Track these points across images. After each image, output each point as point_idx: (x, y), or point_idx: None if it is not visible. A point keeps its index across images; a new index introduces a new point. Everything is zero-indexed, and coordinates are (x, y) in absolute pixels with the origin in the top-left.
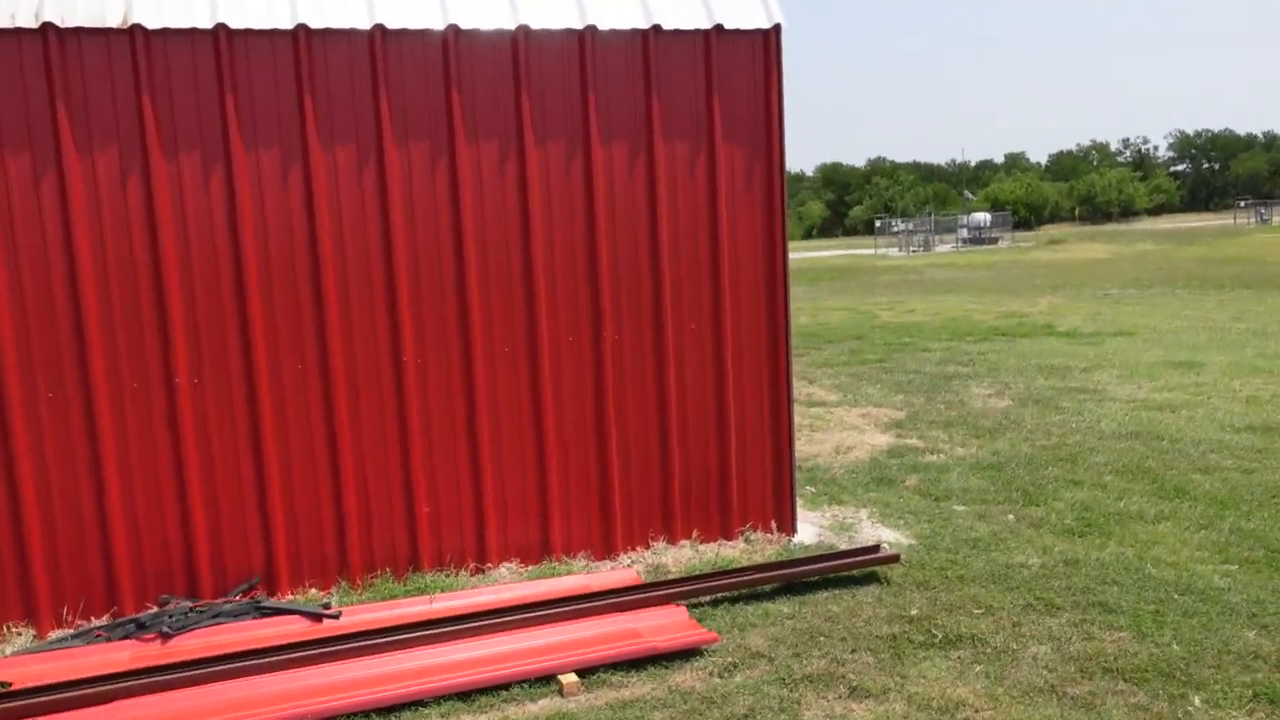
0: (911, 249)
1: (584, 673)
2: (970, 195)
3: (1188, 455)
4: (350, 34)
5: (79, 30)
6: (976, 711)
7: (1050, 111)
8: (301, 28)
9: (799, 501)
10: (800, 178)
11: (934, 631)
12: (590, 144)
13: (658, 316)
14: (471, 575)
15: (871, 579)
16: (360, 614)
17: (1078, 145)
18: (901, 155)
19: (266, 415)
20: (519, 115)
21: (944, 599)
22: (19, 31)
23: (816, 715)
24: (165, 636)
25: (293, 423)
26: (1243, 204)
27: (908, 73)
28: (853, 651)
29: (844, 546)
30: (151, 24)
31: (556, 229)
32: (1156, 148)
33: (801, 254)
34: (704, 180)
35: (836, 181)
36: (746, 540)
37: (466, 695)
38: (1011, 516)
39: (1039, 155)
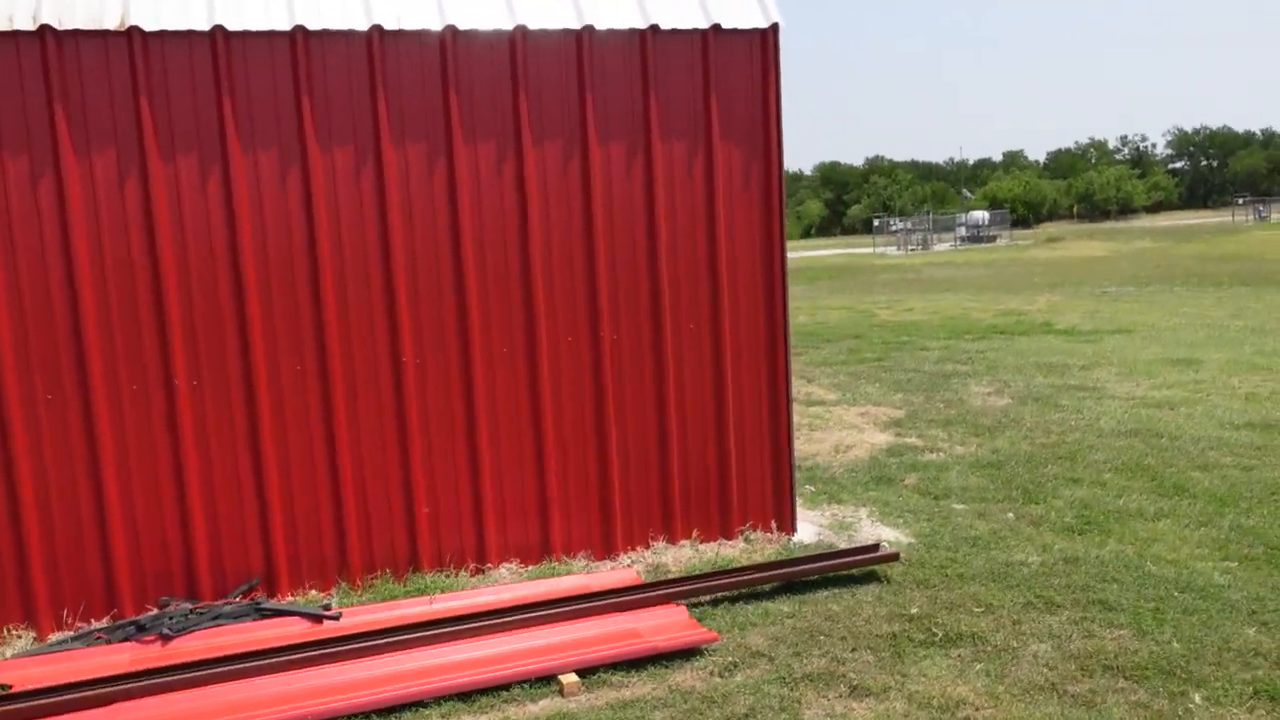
0: (910, 248)
1: (584, 673)
2: (968, 194)
3: (1187, 453)
4: (348, 35)
5: (76, 32)
6: (977, 710)
7: (1048, 112)
8: (299, 29)
9: (798, 500)
10: (799, 177)
11: (934, 630)
12: (588, 144)
13: (656, 316)
14: (471, 576)
15: (871, 578)
16: (360, 615)
17: (1076, 143)
18: (899, 154)
19: (265, 416)
20: (517, 116)
21: (944, 597)
22: (16, 34)
23: (817, 714)
24: (165, 638)
25: (291, 424)
26: (1241, 201)
27: (906, 73)
28: (853, 650)
29: (844, 545)
30: (149, 26)
31: (554, 229)
32: (1154, 145)
33: (800, 253)
34: (702, 180)
35: (835, 181)
36: (746, 540)
37: (467, 696)
38: (1011, 514)
39: (1037, 154)
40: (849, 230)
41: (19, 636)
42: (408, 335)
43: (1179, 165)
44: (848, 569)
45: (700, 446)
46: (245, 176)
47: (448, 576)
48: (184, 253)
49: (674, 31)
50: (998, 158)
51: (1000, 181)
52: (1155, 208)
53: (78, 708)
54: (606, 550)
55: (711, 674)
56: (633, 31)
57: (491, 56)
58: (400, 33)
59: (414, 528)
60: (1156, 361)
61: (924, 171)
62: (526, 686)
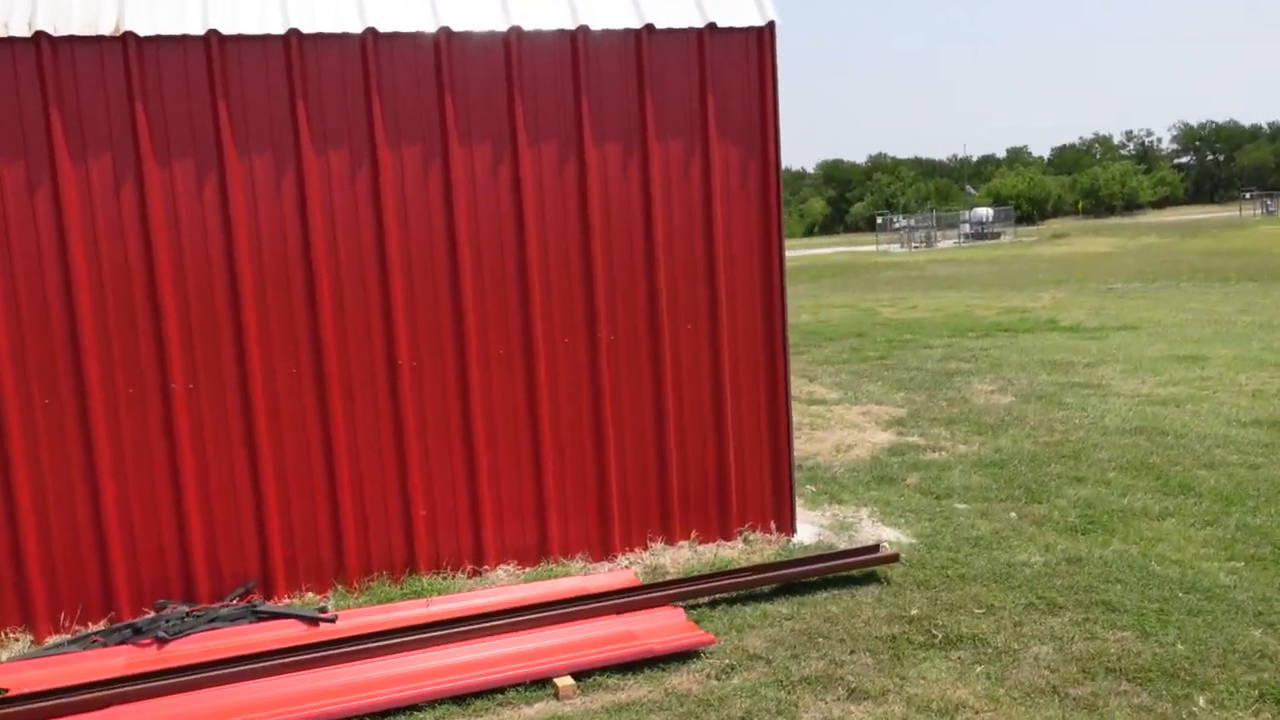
0: (913, 245)
1: (580, 676)
2: (972, 190)
3: (1193, 451)
4: (342, 38)
5: (72, 38)
6: (977, 713)
7: (1046, 109)
8: (293, 33)
9: (799, 501)
10: (801, 175)
11: (934, 632)
12: (584, 145)
13: (653, 317)
14: (469, 578)
15: (871, 579)
16: (356, 617)
17: (1080, 139)
18: (902, 151)
19: (261, 420)
20: (512, 117)
21: (944, 598)
22: (12, 40)
23: (814, 718)
24: (161, 641)
25: (288, 427)
26: (1248, 195)
27: (903, 71)
28: (851, 653)
29: (844, 546)
30: (144, 31)
31: (550, 230)
32: (1160, 140)
33: (803, 251)
34: (699, 179)
35: (838, 178)
36: (745, 541)
37: (461, 699)
38: (1014, 514)
39: (1041, 150)
40: (852, 228)
41: (16, 640)
42: (404, 338)
43: (1185, 160)
44: (847, 570)
45: (699, 447)
46: (241, 181)
47: (445, 579)
48: (180, 258)
49: (669, 31)
50: (1001, 154)
51: (1004, 178)
52: (1161, 203)
53: (72, 711)
54: (604, 552)
55: (708, 677)
56: (628, 31)
57: (486, 58)
58: (394, 35)
59: (411, 530)
60: (1162, 358)
61: (927, 168)
62: (521, 690)
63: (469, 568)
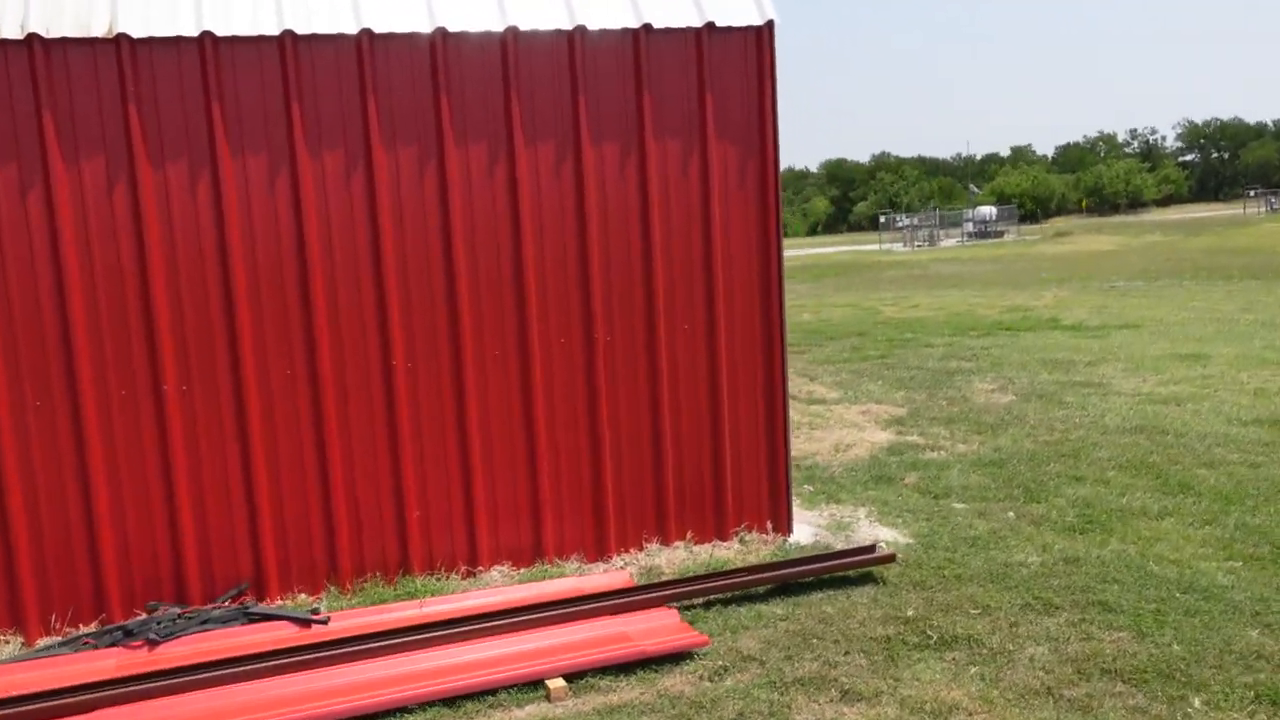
0: (916, 244)
1: (572, 677)
2: (975, 189)
3: (1193, 449)
4: (336, 39)
5: (64, 40)
6: (970, 715)
7: (1048, 108)
8: (288, 34)
9: (796, 501)
10: (805, 174)
11: (929, 633)
12: (581, 145)
13: (650, 317)
14: (463, 579)
15: (868, 579)
16: (349, 619)
17: (1085, 137)
18: (906, 150)
19: (255, 421)
20: (508, 117)
21: (940, 599)
22: (4, 43)
23: (806, 719)
24: (152, 643)
25: (281, 428)
26: (1252, 193)
27: (902, 70)
28: (846, 654)
29: (841, 546)
30: (137, 33)
31: (547, 230)
32: (1164, 138)
33: (806, 250)
34: (697, 179)
35: (841, 177)
36: (741, 541)
37: (452, 701)
38: (1012, 514)
39: (1045, 148)
40: (855, 227)
41: (6, 642)
42: (399, 338)
43: (1189, 158)
44: (843, 571)
45: (695, 447)
46: (234, 182)
47: (438, 580)
48: (173, 259)
49: (667, 30)
50: (1005, 152)
51: (1008, 176)
52: (1165, 201)
53: (60, 714)
54: (599, 552)
55: (701, 678)
56: (625, 31)
57: (483, 58)
58: (390, 35)
59: (405, 531)
60: (1164, 357)
61: (930, 167)
62: (513, 691)
63: (463, 569)
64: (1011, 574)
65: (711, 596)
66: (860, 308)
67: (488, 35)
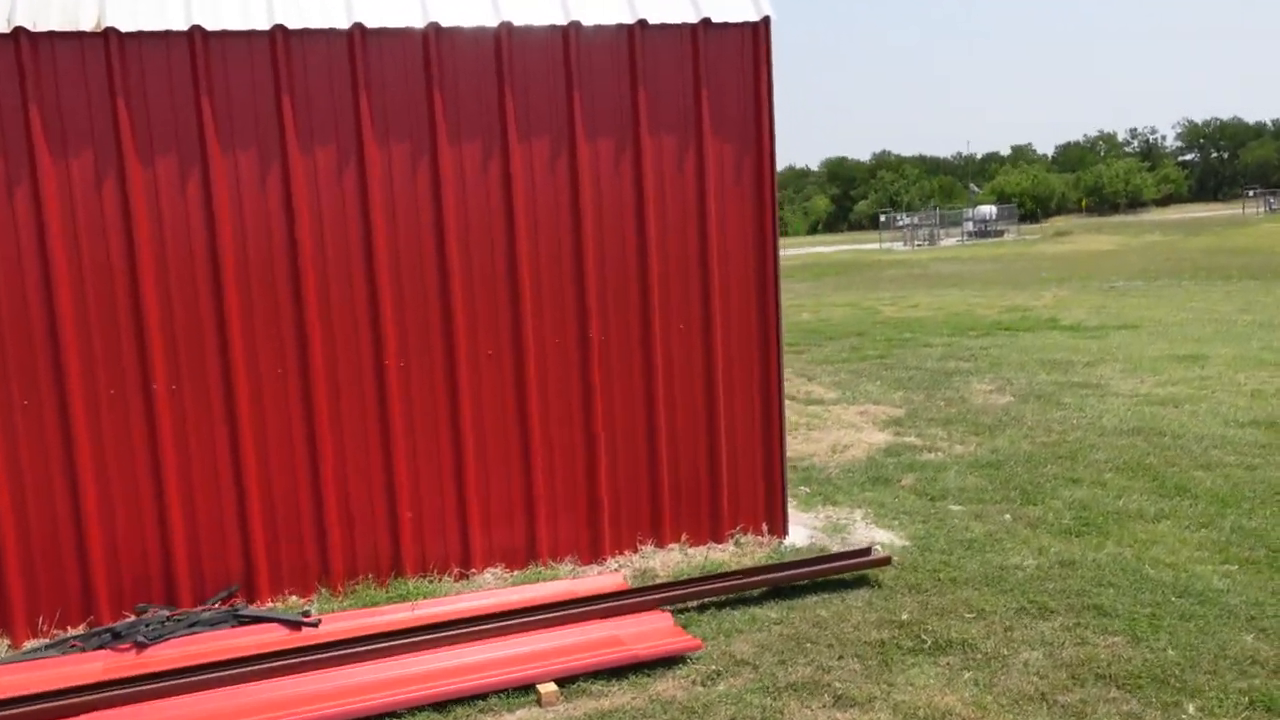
0: (916, 243)
1: (563, 682)
2: (976, 188)
3: (1190, 451)
4: (329, 34)
5: (52, 34)
6: None
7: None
8: (279, 28)
9: (792, 502)
10: (805, 172)
11: (923, 637)
12: (575, 141)
13: (645, 314)
14: (455, 581)
15: (863, 582)
16: (340, 621)
17: (1085, 136)
18: (906, 149)
19: (245, 420)
20: (502, 113)
21: (935, 603)
22: None
23: None
24: (140, 646)
25: (272, 428)
26: (1251, 193)
27: (898, 66)
28: (839, 658)
29: (836, 548)
30: (125, 27)
31: (541, 227)
32: (1164, 137)
33: (806, 249)
34: (692, 175)
35: (842, 176)
36: (736, 543)
37: (442, 706)
38: (1008, 516)
39: (1045, 147)
40: (856, 226)
41: None
42: (392, 336)
43: (1189, 158)
44: (839, 573)
45: (690, 448)
46: (225, 178)
47: (431, 581)
48: (163, 255)
49: (663, 26)
50: (1006, 151)
51: (1008, 176)
52: (1165, 201)
53: (47, 717)
54: (594, 554)
55: (693, 683)
56: (620, 26)
57: (476, 53)
58: (383, 30)
59: (397, 532)
60: (1162, 357)
61: (931, 166)
62: (504, 696)
63: (456, 570)
64: (1007, 577)
65: (705, 600)
66: (860, 307)
67: (481, 30)
